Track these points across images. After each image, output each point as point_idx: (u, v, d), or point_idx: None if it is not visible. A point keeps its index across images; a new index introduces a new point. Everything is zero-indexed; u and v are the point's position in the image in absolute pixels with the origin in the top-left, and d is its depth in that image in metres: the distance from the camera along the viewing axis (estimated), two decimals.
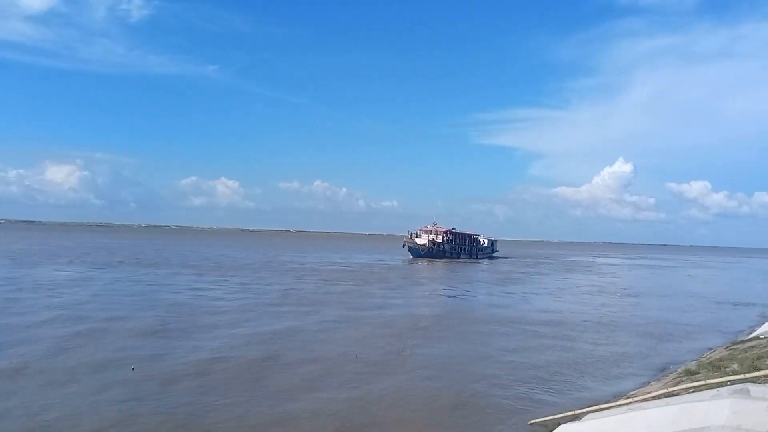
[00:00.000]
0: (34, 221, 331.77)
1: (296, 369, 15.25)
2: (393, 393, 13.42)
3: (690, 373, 13.41)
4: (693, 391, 9.96)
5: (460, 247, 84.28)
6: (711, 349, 19.61)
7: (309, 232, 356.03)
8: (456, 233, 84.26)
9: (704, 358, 16.65)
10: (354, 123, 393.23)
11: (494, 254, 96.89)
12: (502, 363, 16.83)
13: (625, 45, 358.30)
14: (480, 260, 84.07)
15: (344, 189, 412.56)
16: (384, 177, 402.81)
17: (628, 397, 12.12)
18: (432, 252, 77.58)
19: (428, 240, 78.48)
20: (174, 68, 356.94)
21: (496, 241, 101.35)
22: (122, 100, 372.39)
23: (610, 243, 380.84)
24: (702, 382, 10.13)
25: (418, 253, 77.15)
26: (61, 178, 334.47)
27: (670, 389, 11.13)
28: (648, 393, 11.90)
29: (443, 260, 75.17)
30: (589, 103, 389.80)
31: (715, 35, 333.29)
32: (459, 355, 17.92)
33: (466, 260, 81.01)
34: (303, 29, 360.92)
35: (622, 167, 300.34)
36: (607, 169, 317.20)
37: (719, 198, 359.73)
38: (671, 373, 15.39)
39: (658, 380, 14.77)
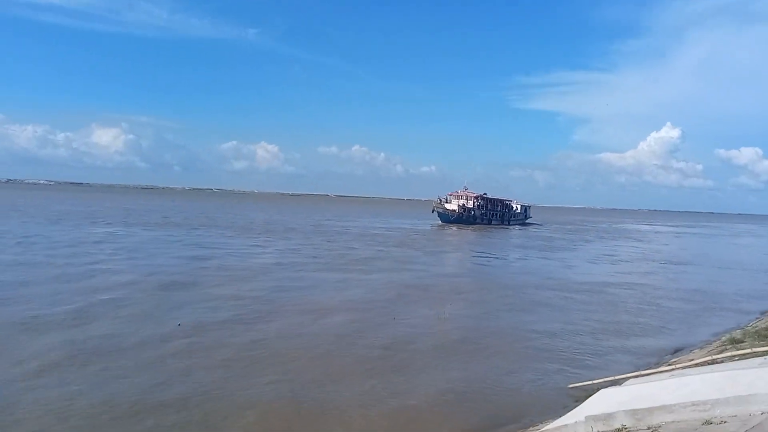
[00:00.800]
0: (81, 183, 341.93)
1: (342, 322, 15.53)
2: (427, 352, 13.56)
3: (735, 342, 13.15)
4: (738, 359, 9.78)
5: (492, 213, 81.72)
6: (757, 317, 19.16)
7: (348, 196, 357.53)
8: (487, 198, 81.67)
9: (750, 327, 16.27)
10: (393, 87, 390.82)
11: (527, 220, 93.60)
12: (539, 328, 16.76)
13: (677, 4, 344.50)
14: (512, 227, 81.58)
15: (382, 154, 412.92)
16: (422, 142, 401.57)
17: (670, 364, 11.98)
18: (462, 218, 75.27)
19: (458, 205, 76.14)
20: (215, 32, 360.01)
21: (529, 207, 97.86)
22: (165, 64, 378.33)
23: (655, 210, 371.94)
24: (748, 350, 9.93)
25: (447, 218, 74.81)
26: (107, 141, 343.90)
27: (714, 357, 10.96)
28: (691, 360, 11.74)
29: (473, 226, 72.87)
30: (637, 66, 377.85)
31: None
32: (495, 319, 17.93)
33: (498, 226, 78.57)
34: None
35: (669, 132, 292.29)
36: (654, 135, 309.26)
37: None
38: (715, 341, 15.11)
39: (702, 348, 14.53)
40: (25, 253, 27.40)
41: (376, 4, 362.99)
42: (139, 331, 14.17)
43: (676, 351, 14.69)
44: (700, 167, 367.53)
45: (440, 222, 74.57)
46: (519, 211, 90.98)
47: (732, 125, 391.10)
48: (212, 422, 9.27)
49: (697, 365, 9.93)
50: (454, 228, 69.18)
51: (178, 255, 29.65)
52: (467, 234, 61.36)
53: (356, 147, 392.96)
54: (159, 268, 24.56)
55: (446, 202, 76.81)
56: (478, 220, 76.94)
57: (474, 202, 78.03)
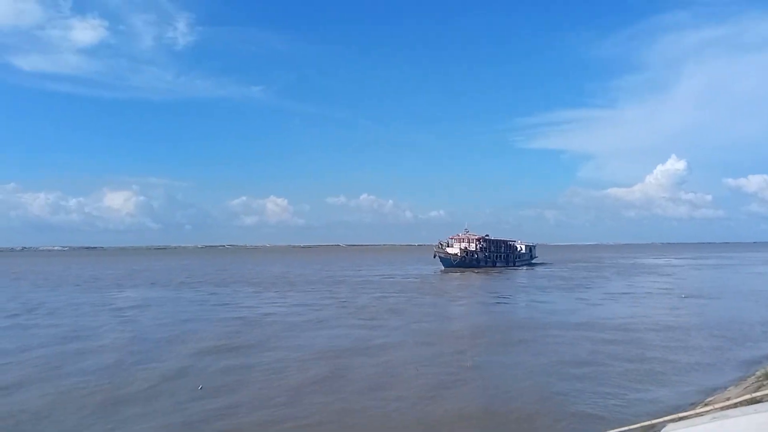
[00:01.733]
0: (95, 247, 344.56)
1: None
2: (457, 406, 13.26)
3: None
4: None
5: (495, 255, 79.64)
6: None
7: (358, 245, 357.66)
8: (490, 240, 79.53)
9: None
10: (397, 134, 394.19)
11: (533, 260, 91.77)
12: (563, 372, 16.40)
13: (672, 38, 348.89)
14: (517, 268, 79.61)
15: (390, 201, 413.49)
16: (430, 187, 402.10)
17: (706, 404, 11.60)
18: (465, 261, 73.00)
19: (460, 249, 73.88)
20: (220, 91, 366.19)
21: (534, 246, 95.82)
22: (172, 126, 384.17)
23: (667, 243, 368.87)
24: None
25: (449, 263, 72.75)
26: (118, 204, 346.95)
27: (753, 395, 10.60)
28: (727, 399, 11.38)
29: (477, 269, 71.16)
30: (637, 100, 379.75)
31: (765, 24, 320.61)
32: (517, 365, 17.57)
33: (502, 268, 76.40)
34: (340, 45, 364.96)
35: (675, 165, 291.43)
36: (660, 168, 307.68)
37: None
38: (749, 377, 14.67)
39: (737, 385, 14.10)
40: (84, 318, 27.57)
41: (375, 54, 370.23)
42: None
43: (711, 389, 14.26)
44: (709, 197, 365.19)
45: (443, 267, 72.83)
46: (524, 251, 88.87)
47: (738, 153, 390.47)
48: None
49: (735, 405, 9.59)
50: (458, 272, 67.47)
51: (216, 317, 29.52)
52: (471, 278, 59.87)
53: (364, 195, 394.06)
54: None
55: (448, 246, 75.02)
56: (481, 263, 74.97)
57: (476, 245, 75.90)
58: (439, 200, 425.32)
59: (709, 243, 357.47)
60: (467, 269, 70.45)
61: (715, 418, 8.49)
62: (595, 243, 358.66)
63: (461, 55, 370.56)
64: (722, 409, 9.99)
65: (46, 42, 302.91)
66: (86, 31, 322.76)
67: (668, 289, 44.13)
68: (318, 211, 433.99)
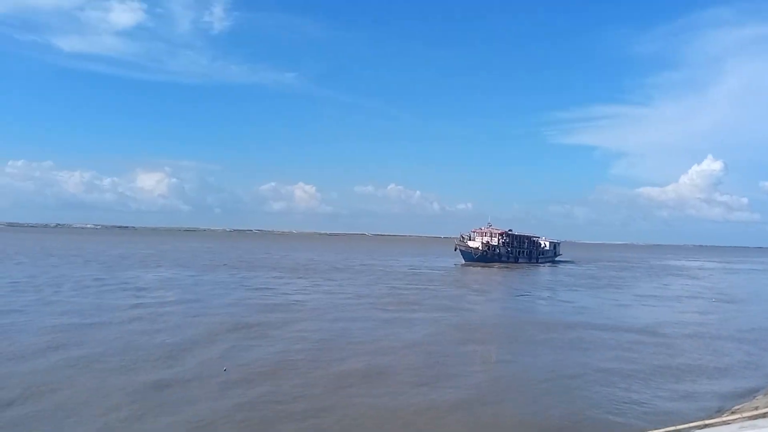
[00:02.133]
0: (127, 227, 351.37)
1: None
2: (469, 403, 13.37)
3: None
4: None
5: (518, 251, 77.50)
6: None
7: (384, 235, 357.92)
8: (513, 235, 77.35)
9: None
10: (427, 125, 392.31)
11: (557, 258, 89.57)
12: (590, 373, 16.37)
13: (712, 36, 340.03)
14: (540, 264, 78.40)
15: (418, 192, 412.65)
16: (458, 179, 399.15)
17: (733, 413, 11.53)
18: (486, 256, 71.19)
19: (482, 243, 72.20)
20: (254, 77, 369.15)
21: (558, 243, 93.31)
22: (206, 110, 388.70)
23: (700, 245, 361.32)
24: None
25: (470, 257, 70.99)
26: (151, 185, 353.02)
27: None
28: (756, 408, 11.26)
29: (499, 264, 69.56)
30: (674, 99, 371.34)
31: None
32: (541, 365, 17.56)
33: (525, 264, 74.82)
34: (376, 33, 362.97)
35: (711, 165, 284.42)
36: (695, 168, 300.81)
37: None
38: None
39: (765, 395, 13.94)
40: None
41: (411, 45, 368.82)
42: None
43: (739, 397, 14.11)
44: (745, 200, 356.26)
45: (464, 261, 71.26)
46: (547, 248, 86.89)
47: None
48: None
49: (765, 415, 9.52)
50: (479, 267, 66.28)
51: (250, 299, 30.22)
52: (493, 273, 59.25)
53: (392, 185, 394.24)
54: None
55: (469, 240, 73.34)
56: (503, 258, 73.23)
57: (499, 239, 74.00)
58: (468, 193, 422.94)
59: (744, 247, 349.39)
60: (488, 264, 69.15)
61: (743, 427, 8.47)
62: (626, 242, 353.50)
63: (499, 49, 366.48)
64: (750, 418, 9.93)
65: (86, 23, 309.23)
66: (125, 14, 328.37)
67: (699, 293, 43.43)
68: (346, 199, 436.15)
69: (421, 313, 27.25)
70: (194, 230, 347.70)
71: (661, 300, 37.36)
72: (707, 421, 10.57)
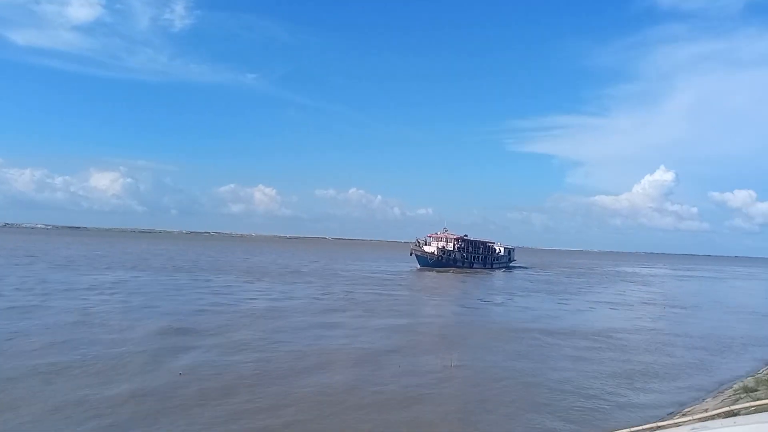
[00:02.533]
0: (79, 227, 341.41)
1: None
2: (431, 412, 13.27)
3: (748, 390, 12.89)
4: (754, 411, 9.52)
5: (473, 256, 77.38)
6: (767, 364, 18.86)
7: (345, 239, 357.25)
8: (469, 240, 77.58)
9: (762, 374, 15.99)
10: (390, 130, 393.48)
11: (511, 263, 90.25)
12: (543, 378, 16.48)
13: (667, 51, 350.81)
14: (495, 270, 78.70)
15: (379, 196, 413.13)
16: (419, 185, 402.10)
17: (684, 415, 11.70)
18: (442, 261, 71.21)
19: (437, 248, 72.24)
20: (215, 77, 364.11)
21: (513, 249, 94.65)
22: (164, 109, 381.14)
23: (651, 253, 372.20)
24: (766, 401, 9.67)
25: (426, 261, 71.01)
26: (105, 185, 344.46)
27: (731, 407, 10.68)
28: (705, 410, 11.45)
29: (454, 269, 69.34)
30: (629, 110, 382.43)
31: (760, 41, 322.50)
32: (496, 367, 17.62)
33: (480, 270, 75.08)
34: (340, 37, 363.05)
35: (663, 175, 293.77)
36: (648, 178, 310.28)
37: (765, 207, 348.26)
38: (727, 389, 14.83)
39: (714, 397, 14.24)
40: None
41: (375, 51, 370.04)
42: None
43: (691, 399, 14.38)
44: (695, 210, 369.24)
45: (419, 266, 71.26)
46: (502, 253, 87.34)
47: (725, 168, 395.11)
48: None
49: (716, 416, 9.65)
50: (434, 272, 66.31)
51: (200, 302, 29.63)
52: (448, 278, 59.11)
53: (353, 190, 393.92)
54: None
55: (425, 245, 73.30)
56: (458, 263, 72.92)
57: (454, 245, 74.21)
58: (428, 198, 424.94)
59: (693, 255, 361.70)
60: (444, 269, 68.97)
61: (694, 428, 8.55)
62: (581, 249, 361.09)
63: (461, 57, 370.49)
64: (700, 420, 10.08)
65: (42, 17, 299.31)
66: (82, 8, 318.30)
67: (651, 299, 44.54)
68: (306, 202, 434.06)
69: (375, 318, 27.06)
70: (149, 231, 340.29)
71: (615, 306, 38.12)
72: (660, 423, 10.66)
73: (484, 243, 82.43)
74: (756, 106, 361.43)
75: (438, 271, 66.59)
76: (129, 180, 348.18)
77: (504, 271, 77.04)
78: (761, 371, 17.35)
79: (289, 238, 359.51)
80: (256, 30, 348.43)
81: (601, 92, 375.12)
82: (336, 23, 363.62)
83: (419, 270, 68.41)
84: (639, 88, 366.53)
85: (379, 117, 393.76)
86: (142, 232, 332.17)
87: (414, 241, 74.38)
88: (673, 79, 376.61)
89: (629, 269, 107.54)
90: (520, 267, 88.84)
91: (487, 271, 75.80)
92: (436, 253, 71.70)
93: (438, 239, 73.65)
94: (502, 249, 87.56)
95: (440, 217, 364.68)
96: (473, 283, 53.48)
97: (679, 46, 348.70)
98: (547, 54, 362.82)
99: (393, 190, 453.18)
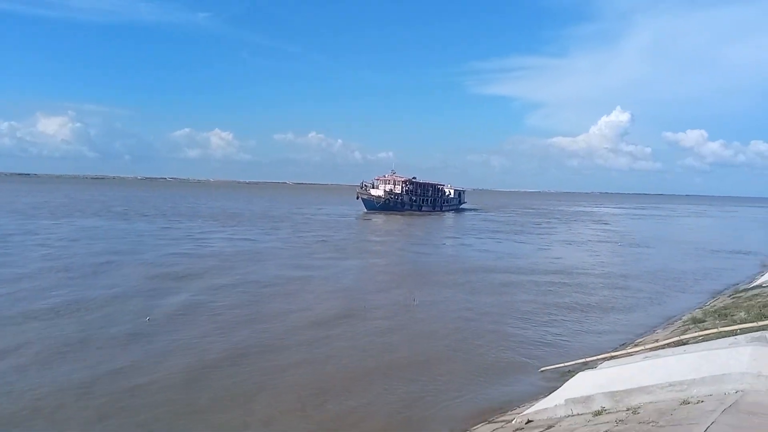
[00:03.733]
0: (29, 174, 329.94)
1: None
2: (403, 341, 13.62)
3: (696, 321, 13.57)
4: (702, 340, 10.10)
5: (422, 199, 76.66)
6: (714, 297, 19.85)
7: (305, 184, 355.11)
8: (417, 183, 76.69)
9: (709, 306, 16.85)
10: (349, 73, 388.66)
11: (462, 206, 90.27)
12: (504, 313, 17.02)
13: None
14: (445, 213, 78.53)
15: (340, 140, 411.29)
16: (380, 128, 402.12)
17: (636, 345, 12.31)
18: (389, 204, 70.11)
19: (385, 191, 71.03)
20: (165, 16, 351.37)
21: (463, 191, 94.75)
22: (113, 50, 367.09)
23: (606, 193, 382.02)
24: (714, 330, 10.24)
25: (372, 205, 69.78)
26: (53, 130, 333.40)
27: (681, 337, 11.29)
28: (656, 341, 12.07)
29: (402, 213, 68.81)
30: (588, 51, 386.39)
31: None
32: (460, 305, 18.09)
33: (429, 213, 74.93)
34: None
35: (619, 117, 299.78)
36: (604, 119, 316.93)
37: (715, 147, 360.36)
38: (677, 320, 15.61)
39: (665, 328, 14.97)
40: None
41: None
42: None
43: (643, 331, 15.10)
44: (648, 150, 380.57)
45: (365, 210, 69.90)
46: (452, 196, 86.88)
47: (679, 108, 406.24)
48: None
49: (666, 346, 10.20)
50: (382, 215, 65.18)
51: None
52: (397, 221, 58.39)
53: (313, 134, 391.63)
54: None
55: (372, 187, 72.16)
56: (407, 207, 72.10)
57: (403, 187, 73.08)
58: (389, 142, 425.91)
59: (646, 194, 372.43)
60: (391, 212, 68.33)
61: (647, 357, 9.04)
62: (539, 190, 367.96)
63: (422, 3, 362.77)
64: (652, 349, 10.64)
65: None
66: None
67: (607, 237, 45.97)
68: (265, 147, 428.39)
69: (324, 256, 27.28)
70: (102, 178, 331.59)
71: (570, 244, 39.25)
72: (613, 354, 11.24)
73: (433, 185, 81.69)
74: (711, 46, 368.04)
75: (387, 215, 65.87)
76: (78, 125, 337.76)
77: (453, 215, 76.47)
78: (708, 303, 18.28)
79: (248, 183, 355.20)
80: None
81: (561, 32, 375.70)
82: None
83: (366, 214, 67.17)
84: (598, 27, 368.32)
85: (341, 60, 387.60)
86: (95, 178, 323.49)
87: (361, 183, 73.25)
88: (631, 19, 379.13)
89: (586, 209, 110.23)
90: (471, 209, 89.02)
91: (436, 213, 75.61)
92: (383, 196, 70.74)
93: (385, 182, 72.76)
94: (452, 191, 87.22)
95: (401, 160, 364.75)
96: (419, 226, 52.95)
97: None
98: None
99: (354, 134, 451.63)
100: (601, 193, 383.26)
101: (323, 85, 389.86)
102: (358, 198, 71.64)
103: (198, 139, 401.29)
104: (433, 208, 78.73)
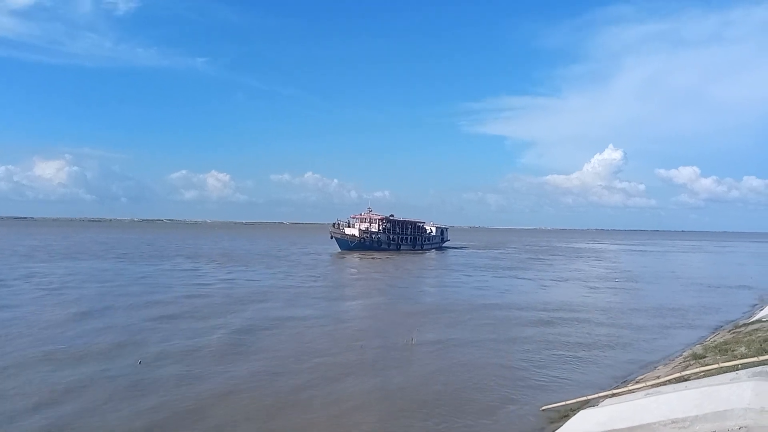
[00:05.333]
0: (25, 217, 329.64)
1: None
2: (402, 383, 13.45)
3: (697, 357, 13.47)
4: (703, 375, 10.02)
5: (401, 237, 73.84)
6: (714, 332, 19.74)
7: (302, 224, 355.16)
8: (395, 220, 73.83)
9: (709, 342, 16.74)
10: (344, 113, 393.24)
11: (444, 244, 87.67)
12: (503, 350, 16.87)
13: (615, 31, 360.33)
14: (426, 251, 75.13)
15: (335, 180, 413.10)
16: (375, 167, 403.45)
17: (638, 382, 12.19)
18: (365, 243, 67.20)
19: (360, 230, 68.27)
20: (163, 61, 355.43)
21: (446, 228, 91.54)
22: (110, 95, 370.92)
23: (601, 230, 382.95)
24: (714, 366, 10.18)
25: (347, 245, 66.76)
26: (50, 173, 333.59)
27: (682, 373, 11.20)
28: (657, 377, 11.96)
29: (379, 252, 65.87)
30: (580, 91, 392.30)
31: (704, 21, 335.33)
32: (460, 342, 17.94)
33: (409, 252, 71.91)
34: (292, 19, 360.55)
35: (611, 154, 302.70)
36: (597, 156, 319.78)
37: (708, 183, 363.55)
38: (678, 356, 15.48)
39: (666, 364, 14.85)
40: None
41: (327, 33, 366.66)
42: None
43: (643, 367, 14.96)
44: (642, 187, 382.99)
45: (339, 249, 66.74)
46: (434, 233, 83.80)
47: (671, 146, 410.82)
48: None
49: (667, 382, 10.12)
50: (357, 255, 62.15)
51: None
52: (371, 261, 55.01)
53: (309, 173, 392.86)
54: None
55: (348, 226, 69.34)
56: (383, 246, 69.21)
57: (379, 225, 70.27)
58: (385, 181, 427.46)
59: (641, 230, 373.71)
60: (367, 252, 65.13)
61: (649, 394, 8.97)
62: (535, 227, 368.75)
63: (415, 40, 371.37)
64: (654, 386, 10.55)
65: None
66: None
67: (605, 274, 45.88)
68: (261, 187, 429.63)
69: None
70: (99, 220, 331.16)
71: (566, 281, 39.12)
72: (615, 391, 11.13)
73: (413, 223, 79.02)
74: (700, 84, 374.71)
75: (360, 255, 62.10)
76: (75, 168, 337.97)
77: (435, 253, 73.22)
78: (708, 338, 18.17)
79: (245, 223, 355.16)
80: (205, 12, 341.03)
81: (552, 73, 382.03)
82: (288, 6, 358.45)
83: (339, 254, 63.18)
84: (589, 68, 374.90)
85: (335, 100, 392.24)
86: (92, 220, 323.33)
87: (334, 222, 70.47)
88: (621, 60, 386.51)
89: (582, 245, 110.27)
90: (456, 247, 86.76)
91: (416, 252, 72.90)
92: (357, 235, 67.92)
93: (362, 220, 70.39)
94: (433, 229, 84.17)
95: (397, 199, 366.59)
96: (392, 265, 50.22)
97: (627, 26, 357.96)
98: (499, 36, 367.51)
99: (350, 173, 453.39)
100: (597, 229, 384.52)
101: (318, 126, 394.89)
102: (331, 237, 68.60)
103: (195, 180, 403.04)
104: (413, 247, 76.28)
